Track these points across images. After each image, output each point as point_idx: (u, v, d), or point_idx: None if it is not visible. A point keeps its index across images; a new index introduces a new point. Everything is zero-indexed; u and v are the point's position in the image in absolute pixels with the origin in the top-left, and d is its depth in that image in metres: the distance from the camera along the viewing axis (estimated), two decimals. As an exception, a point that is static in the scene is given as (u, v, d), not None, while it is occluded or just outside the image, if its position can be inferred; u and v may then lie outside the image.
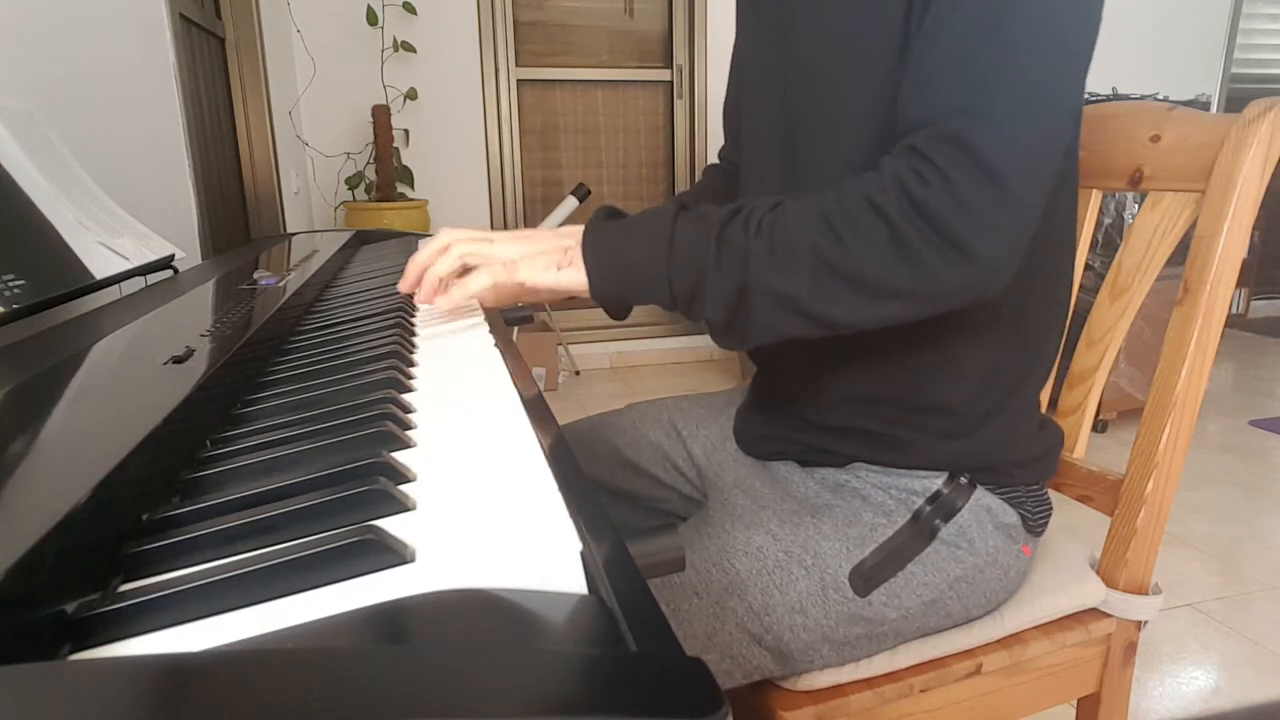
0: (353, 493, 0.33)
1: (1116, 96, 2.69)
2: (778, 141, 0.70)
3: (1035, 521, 0.70)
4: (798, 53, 0.66)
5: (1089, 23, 0.55)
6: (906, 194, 0.53)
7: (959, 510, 0.66)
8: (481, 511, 0.33)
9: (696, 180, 0.96)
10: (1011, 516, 0.68)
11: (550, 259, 0.62)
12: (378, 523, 0.32)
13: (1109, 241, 2.33)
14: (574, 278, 0.61)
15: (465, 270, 0.65)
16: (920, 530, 0.65)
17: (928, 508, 0.66)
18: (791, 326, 0.58)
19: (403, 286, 0.68)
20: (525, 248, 0.63)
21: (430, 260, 0.66)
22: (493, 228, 3.20)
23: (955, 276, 0.54)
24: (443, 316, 0.73)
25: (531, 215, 3.29)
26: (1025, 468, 0.69)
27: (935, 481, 0.67)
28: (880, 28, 0.59)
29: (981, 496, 0.67)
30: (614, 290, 0.61)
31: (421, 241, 1.24)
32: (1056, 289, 0.69)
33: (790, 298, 0.56)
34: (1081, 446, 0.81)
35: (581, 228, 0.62)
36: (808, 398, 0.72)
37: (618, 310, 0.64)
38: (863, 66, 0.61)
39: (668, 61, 3.32)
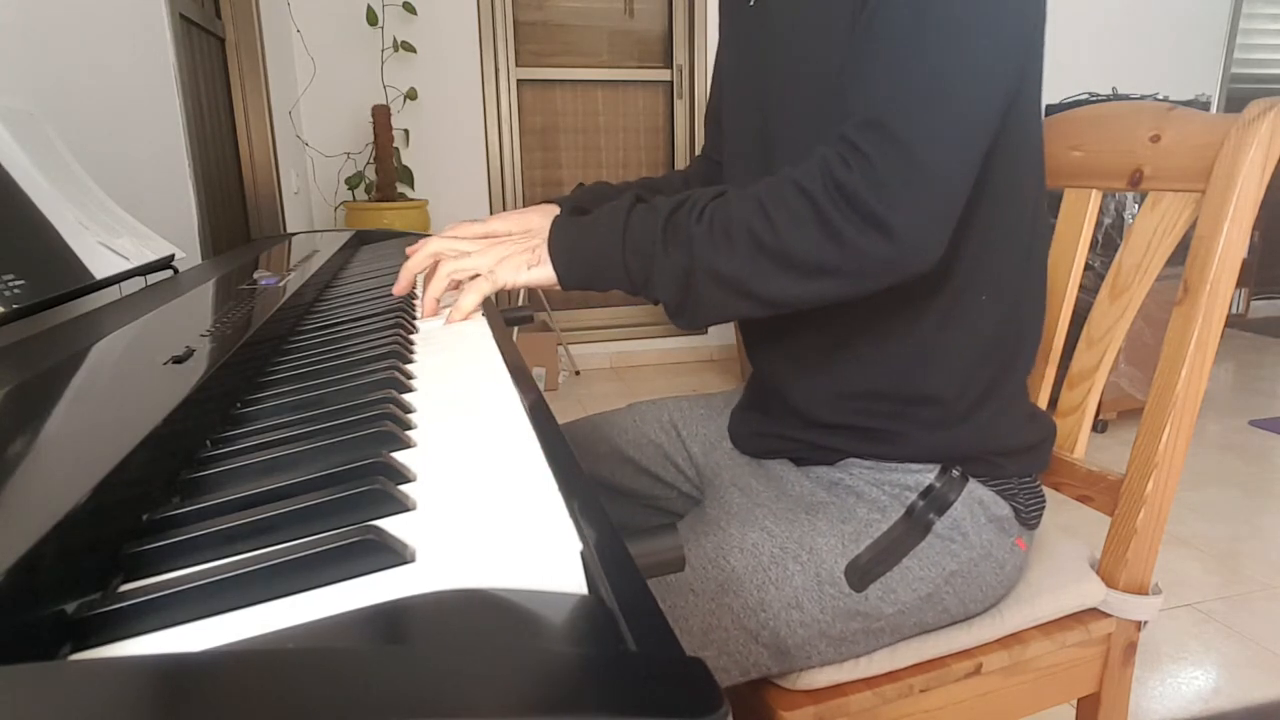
0: (353, 493, 0.33)
1: (1116, 96, 2.69)
2: (755, 144, 0.73)
3: (1028, 514, 0.71)
4: (769, 57, 0.69)
5: (1018, 12, 0.57)
6: (831, 176, 0.57)
7: (952, 503, 0.66)
8: (481, 511, 0.33)
9: (680, 168, 1.00)
10: (1004, 509, 0.69)
11: (521, 260, 0.68)
12: (378, 523, 0.32)
13: (1109, 241, 2.33)
14: (545, 273, 0.68)
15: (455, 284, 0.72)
16: (914, 525, 0.66)
17: (921, 502, 0.66)
18: (737, 306, 0.62)
19: (398, 290, 0.76)
20: (498, 253, 0.69)
21: (421, 265, 0.74)
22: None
23: (878, 253, 0.57)
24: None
25: (531, 215, 3.29)
26: (1016, 459, 0.70)
27: (928, 476, 0.67)
28: (837, 31, 0.62)
29: (974, 489, 0.67)
30: (580, 279, 0.67)
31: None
32: (1032, 275, 0.70)
33: (730, 278, 0.61)
34: (1081, 446, 0.81)
35: (549, 225, 0.69)
36: (800, 395, 0.72)
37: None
38: (826, 67, 0.63)
39: (668, 61, 3.31)
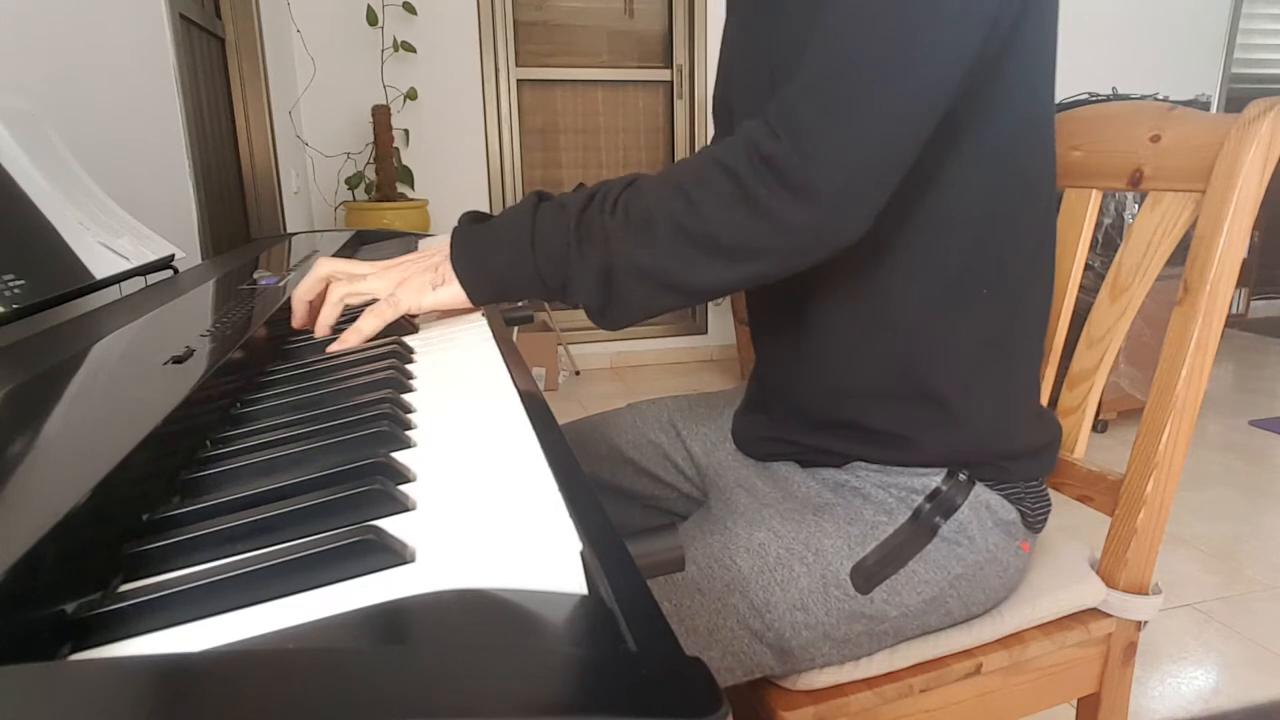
0: (353, 493, 0.33)
1: (1116, 96, 2.69)
2: None
3: (1034, 518, 0.70)
4: (783, 38, 0.67)
5: None
6: (756, 150, 0.55)
7: (959, 507, 0.66)
8: (481, 511, 0.33)
9: None
10: (1011, 513, 0.68)
11: (423, 280, 0.64)
12: (378, 523, 0.32)
13: (1109, 241, 2.33)
14: (451, 293, 0.63)
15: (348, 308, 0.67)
16: (921, 528, 0.65)
17: (927, 505, 0.66)
18: (662, 300, 0.59)
19: (296, 323, 0.69)
20: (397, 275, 0.65)
21: (312, 293, 0.67)
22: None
23: (802, 221, 0.54)
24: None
25: (531, 215, 3.29)
26: (1023, 462, 0.69)
27: (934, 479, 0.67)
28: None
29: (981, 493, 0.67)
30: (491, 294, 0.63)
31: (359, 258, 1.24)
32: (1039, 270, 0.69)
33: (652, 270, 0.58)
34: (1081, 446, 0.81)
35: (449, 241, 0.64)
36: (803, 396, 0.72)
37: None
38: None
39: (668, 61, 3.32)
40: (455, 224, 0.67)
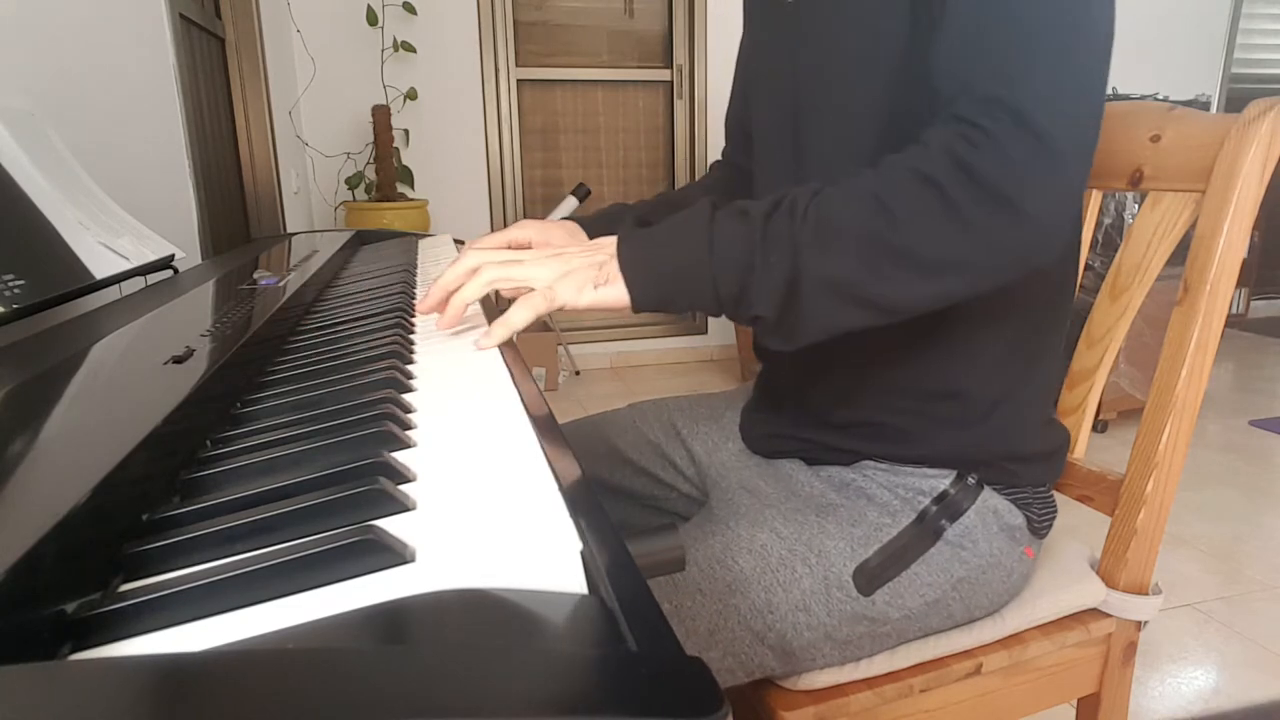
0: (353, 493, 0.33)
1: (1116, 96, 2.69)
2: (787, 144, 0.71)
3: (1040, 523, 0.70)
4: (804, 55, 0.67)
5: None
6: (955, 159, 0.52)
7: (965, 511, 0.66)
8: (481, 511, 0.33)
9: (699, 179, 0.96)
10: (1018, 518, 0.68)
11: (586, 277, 0.59)
12: (378, 523, 0.32)
13: (1109, 241, 2.33)
14: (614, 294, 0.58)
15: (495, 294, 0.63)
16: (925, 530, 0.65)
17: (934, 508, 0.66)
18: (846, 316, 0.56)
19: (423, 308, 0.65)
20: (558, 267, 0.60)
21: (457, 283, 0.62)
22: (493, 228, 3.20)
23: (1009, 239, 0.53)
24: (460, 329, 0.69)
25: (531, 215, 3.28)
26: (1032, 467, 0.69)
27: (943, 481, 0.67)
28: (885, 26, 0.60)
29: (988, 498, 0.67)
30: (656, 301, 0.59)
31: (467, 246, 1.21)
32: (1066, 271, 0.69)
33: (842, 283, 0.54)
34: (1081, 446, 0.81)
35: (613, 239, 0.60)
36: (816, 392, 0.72)
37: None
38: (867, 66, 0.62)
39: (668, 61, 3.31)
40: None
